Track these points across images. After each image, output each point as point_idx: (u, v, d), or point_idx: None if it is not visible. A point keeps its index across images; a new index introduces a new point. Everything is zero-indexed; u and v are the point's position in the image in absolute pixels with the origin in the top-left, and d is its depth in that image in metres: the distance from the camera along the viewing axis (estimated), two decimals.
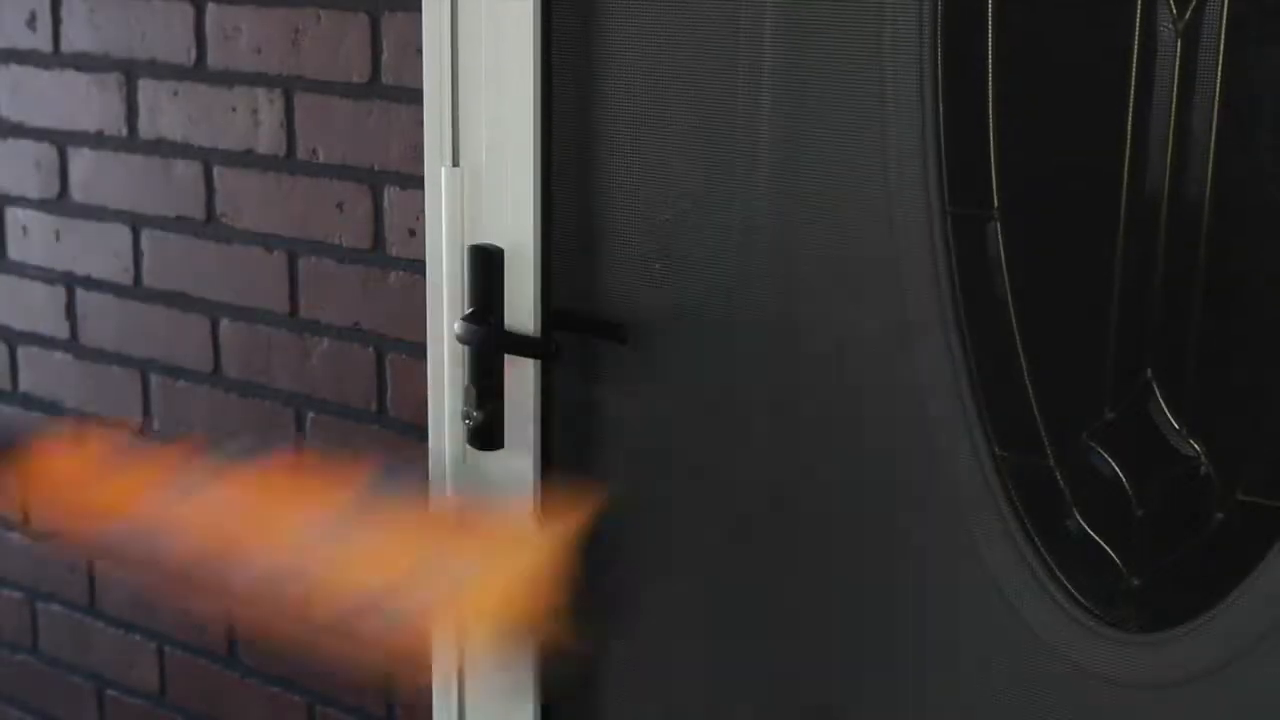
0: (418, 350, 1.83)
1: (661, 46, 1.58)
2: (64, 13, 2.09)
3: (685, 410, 1.64)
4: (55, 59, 2.11)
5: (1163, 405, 1.39)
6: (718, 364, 1.61)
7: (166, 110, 2.01)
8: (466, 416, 1.67)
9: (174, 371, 2.10)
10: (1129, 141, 1.36)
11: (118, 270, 2.12)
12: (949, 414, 1.48)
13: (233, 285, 2.01)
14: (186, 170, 2.01)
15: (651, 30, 1.59)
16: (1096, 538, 1.43)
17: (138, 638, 2.21)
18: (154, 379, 2.12)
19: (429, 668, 1.54)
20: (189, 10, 1.97)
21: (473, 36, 1.64)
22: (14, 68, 2.15)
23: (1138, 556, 1.42)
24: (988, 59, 1.42)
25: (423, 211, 1.75)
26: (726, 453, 1.63)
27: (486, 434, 1.67)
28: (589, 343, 1.67)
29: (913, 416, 1.49)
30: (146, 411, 2.13)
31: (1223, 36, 1.31)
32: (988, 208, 1.45)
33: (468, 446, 1.70)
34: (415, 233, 1.83)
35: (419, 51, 1.72)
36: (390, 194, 1.84)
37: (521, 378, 1.66)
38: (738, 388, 1.61)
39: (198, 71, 1.97)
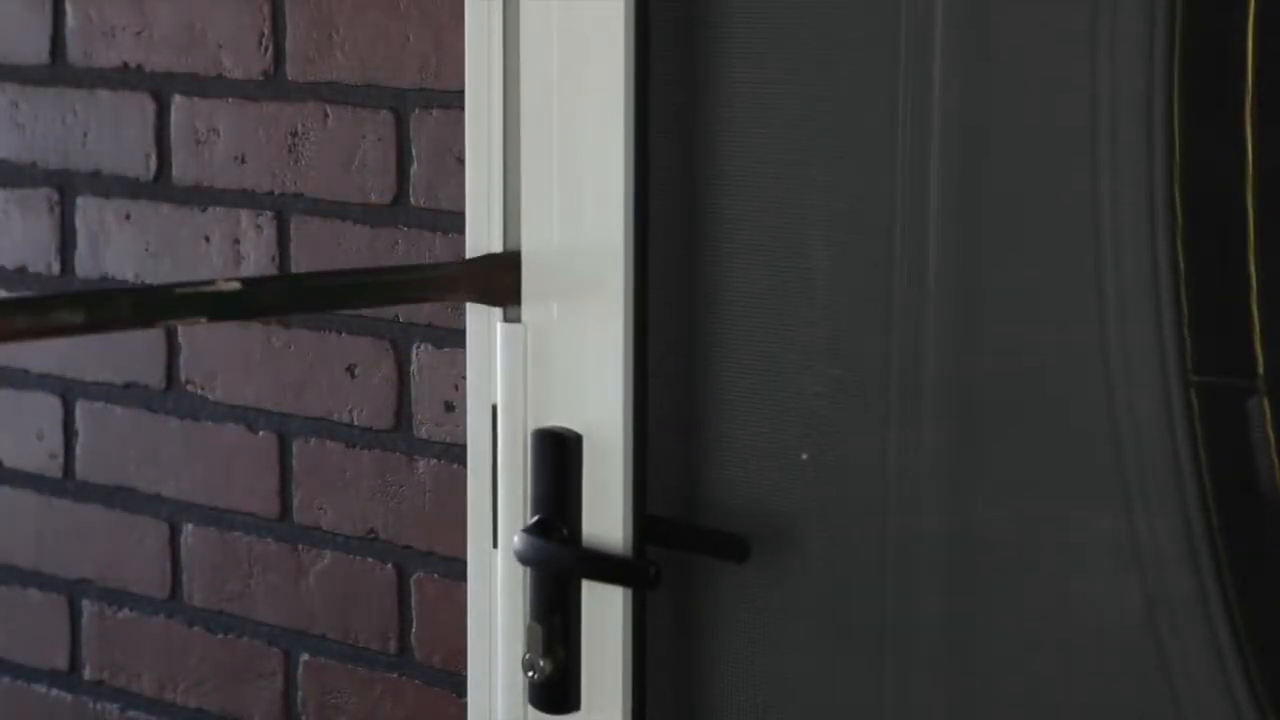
0: (456, 570, 1.86)
1: (793, 175, 1.65)
2: None
3: (831, 656, 1.67)
4: None
5: None
6: (877, 591, 1.64)
7: (115, 239, 2.08)
8: (529, 666, 1.69)
9: (114, 597, 2.15)
10: None
11: (41, 457, 2.18)
12: (1198, 663, 1.51)
13: (200, 478, 2.06)
14: None
15: (776, 150, 1.65)
16: None
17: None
18: (86, 607, 2.17)
19: None
20: (148, 104, 2.05)
21: (539, 139, 1.70)
22: None
23: None
24: (1246, 159, 1.47)
25: (464, 378, 1.77)
26: (890, 713, 1.66)
27: (556, 691, 1.68)
28: (699, 564, 1.71)
29: (1148, 668, 1.52)
30: (74, 650, 2.18)
31: None
32: (1247, 376, 1.49)
33: (529, 708, 1.72)
34: (454, 407, 1.88)
35: (460, 161, 1.77)
36: (420, 354, 1.90)
37: (606, 612, 1.68)
38: (905, 626, 1.64)
39: (159, 187, 2.04)
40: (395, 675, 1.95)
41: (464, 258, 1.73)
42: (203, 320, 1.53)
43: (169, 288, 1.60)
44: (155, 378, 2.08)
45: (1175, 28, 1.47)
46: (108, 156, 2.08)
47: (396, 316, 1.91)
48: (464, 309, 1.75)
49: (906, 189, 1.59)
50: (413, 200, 1.89)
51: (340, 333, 1.94)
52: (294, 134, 1.95)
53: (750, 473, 1.69)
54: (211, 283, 1.52)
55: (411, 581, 1.94)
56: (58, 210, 2.12)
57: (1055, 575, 1.57)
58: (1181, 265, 1.48)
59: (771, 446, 1.67)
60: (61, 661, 2.19)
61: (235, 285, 1.54)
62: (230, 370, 2.02)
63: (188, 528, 2.07)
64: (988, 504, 1.60)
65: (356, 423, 1.95)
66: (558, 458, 1.68)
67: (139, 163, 2.06)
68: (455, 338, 1.84)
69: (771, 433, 1.67)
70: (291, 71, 1.96)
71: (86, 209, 2.10)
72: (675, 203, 1.68)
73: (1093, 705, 1.56)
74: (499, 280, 1.68)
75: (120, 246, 2.08)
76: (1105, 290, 1.52)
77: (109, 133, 2.08)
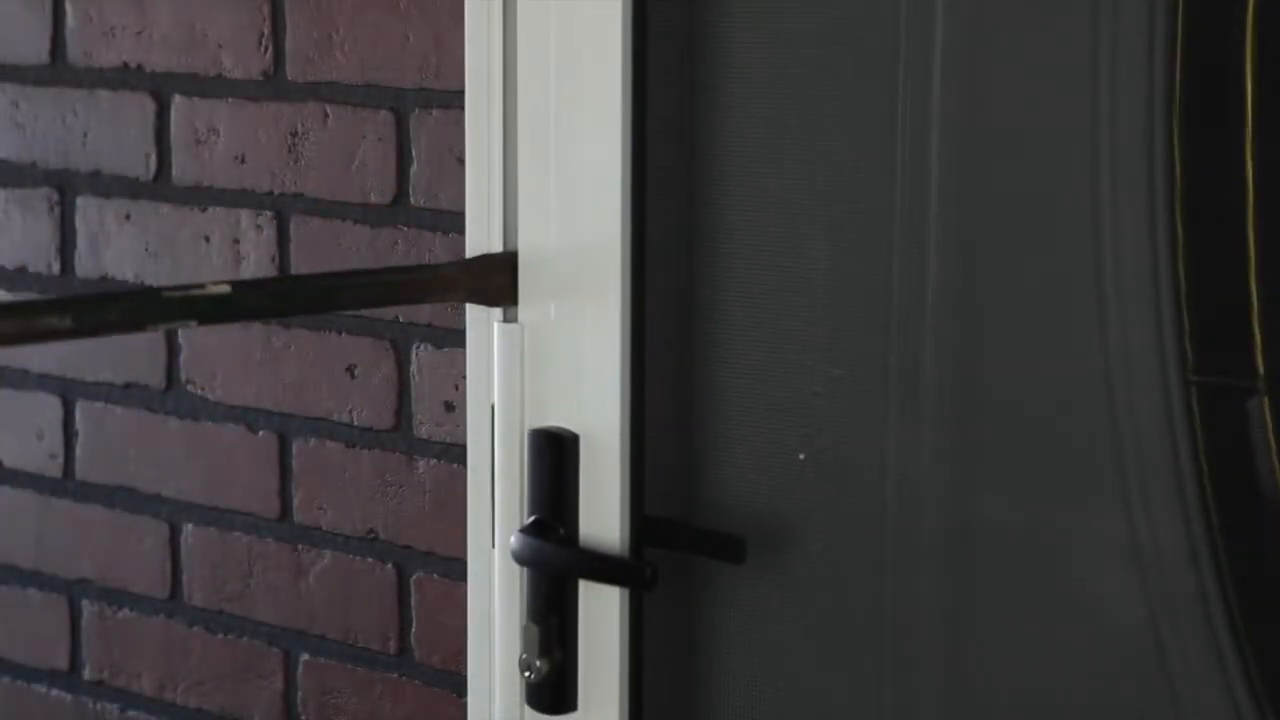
0: (455, 570, 1.86)
1: (792, 175, 1.65)
2: None
3: (829, 657, 1.67)
4: None
5: None
6: (875, 592, 1.64)
7: (114, 239, 2.08)
8: (526, 667, 1.69)
9: (114, 597, 2.15)
10: None
11: (41, 457, 2.18)
12: (1198, 663, 1.51)
13: (200, 478, 2.06)
14: None
15: (774, 150, 1.65)
16: None
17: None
18: (86, 608, 2.17)
19: None
20: (148, 104, 2.05)
21: (537, 140, 1.71)
22: None
23: None
24: (1246, 160, 1.47)
25: (464, 379, 1.78)
26: (889, 713, 1.66)
27: (553, 691, 1.69)
28: (696, 564, 1.71)
29: (1149, 668, 1.52)
30: (74, 650, 2.18)
31: None
32: (1248, 376, 1.49)
33: (526, 708, 1.72)
34: (454, 407, 1.88)
35: (460, 161, 1.78)
36: (420, 354, 1.90)
37: (603, 613, 1.68)
38: (903, 627, 1.64)
39: (159, 187, 2.04)
40: (395, 675, 1.96)
41: (463, 258, 1.73)
42: (193, 324, 1.53)
43: (157, 292, 1.60)
44: (155, 378, 2.08)
45: (1176, 29, 1.47)
46: (108, 156, 2.08)
47: (397, 317, 1.91)
48: (464, 309, 1.75)
49: (906, 190, 1.59)
50: (413, 200, 1.89)
51: (340, 333, 1.95)
52: (294, 134, 1.95)
53: (748, 473, 1.69)
54: (201, 286, 1.51)
55: (411, 581, 1.94)
56: (58, 210, 2.12)
57: (1055, 576, 1.57)
58: (1181, 265, 1.48)
59: (769, 447, 1.67)
60: (61, 661, 2.20)
61: (225, 288, 1.53)
62: (230, 370, 2.03)
63: (188, 528, 2.08)
64: (987, 504, 1.60)
65: (356, 423, 1.95)
66: (555, 458, 1.68)
67: (139, 163, 2.06)
68: (455, 338, 1.84)
69: (770, 433, 1.67)
70: (291, 71, 1.97)
71: (86, 209, 2.10)
72: (673, 203, 1.68)
73: (1093, 705, 1.56)
74: (495, 280, 1.68)
75: (120, 246, 2.08)
76: (1105, 290, 1.52)
77: (109, 133, 2.08)
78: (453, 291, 1.74)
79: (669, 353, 1.71)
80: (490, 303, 1.69)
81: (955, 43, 1.57)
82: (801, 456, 1.65)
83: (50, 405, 2.17)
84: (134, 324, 1.58)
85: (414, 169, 1.89)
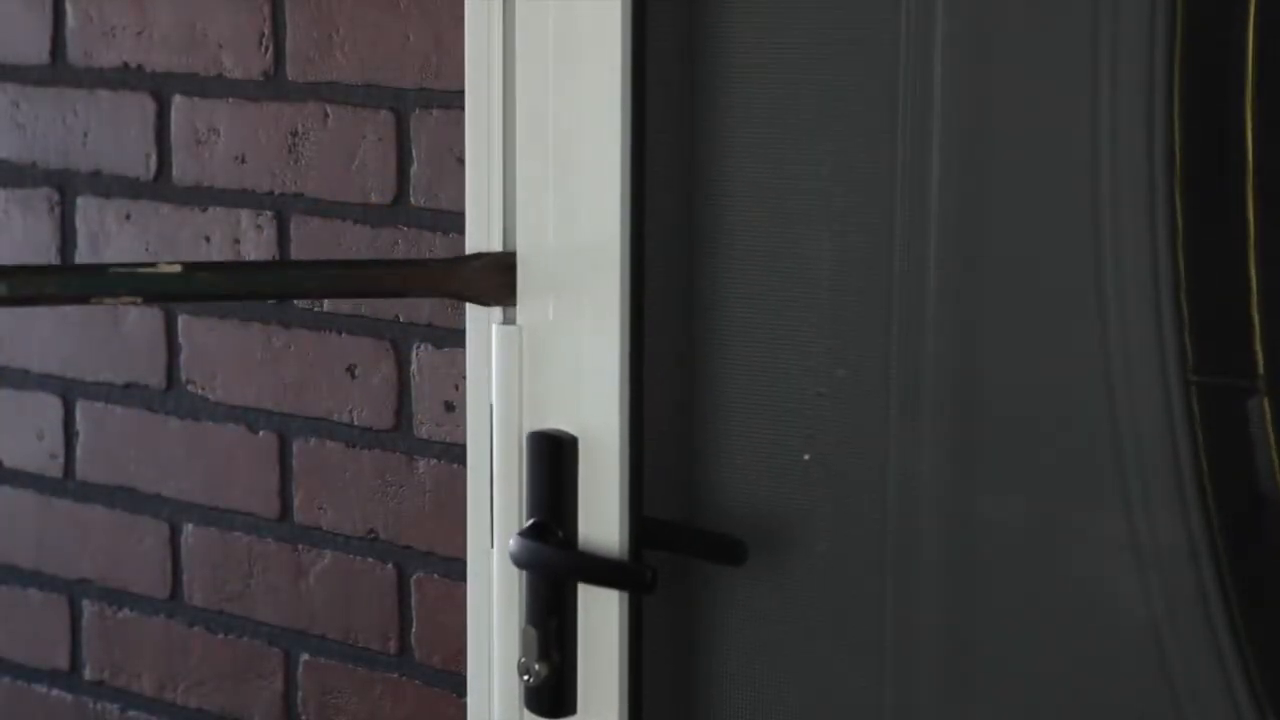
0: (456, 570, 1.86)
1: (792, 175, 1.65)
2: None
3: (829, 660, 1.68)
4: None
5: None
6: (876, 594, 1.65)
7: (115, 239, 2.08)
8: (524, 670, 1.70)
9: (114, 597, 2.15)
10: None
11: (41, 457, 2.19)
12: (1198, 663, 1.51)
13: (200, 478, 2.06)
14: (140, 320, 2.08)
15: (775, 150, 1.65)
16: None
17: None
18: (86, 608, 2.18)
19: None
20: (148, 104, 2.06)
21: (537, 140, 1.71)
22: None
23: None
24: (1246, 159, 1.47)
25: (464, 379, 1.78)
26: (889, 715, 1.66)
27: (552, 694, 1.69)
28: (696, 567, 1.71)
29: (1148, 668, 1.53)
30: (74, 650, 2.19)
31: None
32: (1248, 376, 1.49)
33: (525, 710, 1.73)
34: (454, 407, 1.88)
35: (460, 161, 1.78)
36: (420, 354, 1.90)
37: (602, 616, 1.68)
38: (904, 629, 1.64)
39: (159, 187, 2.05)
40: (395, 675, 1.96)
41: (436, 256, 1.74)
42: (138, 301, 1.52)
43: (103, 267, 1.59)
44: (155, 378, 2.09)
45: (1176, 27, 1.47)
46: (108, 156, 2.09)
47: (397, 316, 1.92)
48: (464, 308, 1.75)
49: (907, 189, 1.59)
50: (413, 200, 1.90)
51: (340, 333, 1.95)
52: (294, 134, 1.96)
53: (748, 475, 1.69)
54: (152, 265, 1.50)
55: (411, 581, 1.94)
56: (58, 210, 2.13)
57: (1056, 576, 1.58)
58: (1182, 265, 1.48)
59: (770, 448, 1.67)
60: (62, 661, 2.20)
61: (176, 268, 1.52)
62: (230, 370, 2.03)
63: (188, 528, 2.09)
64: (988, 504, 1.60)
65: (356, 423, 1.96)
66: (553, 460, 1.68)
67: (139, 163, 2.07)
68: (455, 338, 1.84)
69: (770, 434, 1.67)
70: (291, 71, 1.97)
71: (86, 209, 2.11)
72: (673, 203, 1.69)
73: (1093, 706, 1.57)
74: (486, 279, 1.68)
75: (120, 246, 2.09)
76: (1105, 290, 1.52)
77: (109, 133, 2.09)
78: (432, 289, 1.73)
79: (669, 354, 1.71)
80: (481, 301, 1.69)
81: (955, 42, 1.56)
82: (807, 457, 1.65)
83: (50, 405, 2.18)
84: (74, 297, 1.56)
85: (414, 169, 1.89)
